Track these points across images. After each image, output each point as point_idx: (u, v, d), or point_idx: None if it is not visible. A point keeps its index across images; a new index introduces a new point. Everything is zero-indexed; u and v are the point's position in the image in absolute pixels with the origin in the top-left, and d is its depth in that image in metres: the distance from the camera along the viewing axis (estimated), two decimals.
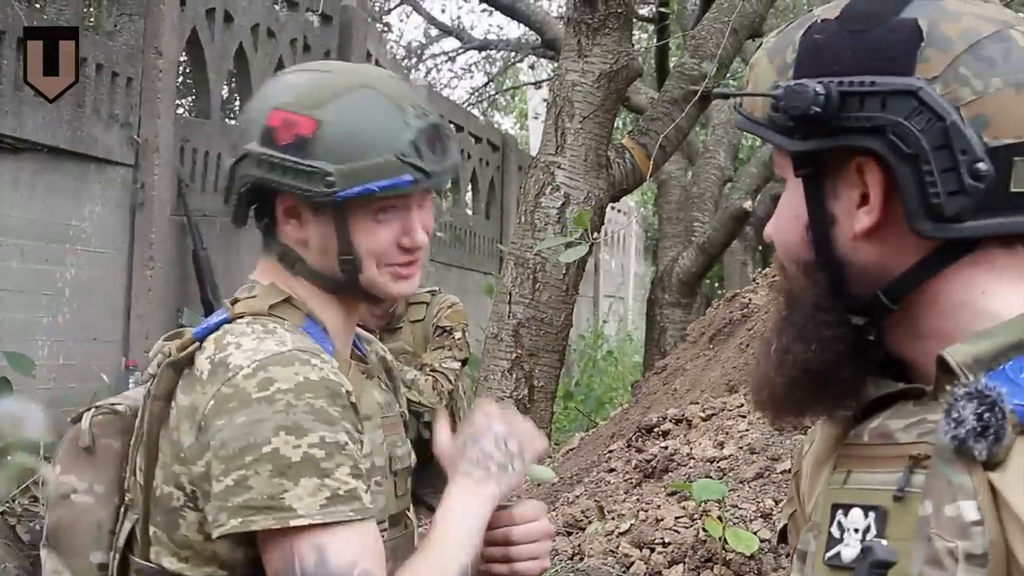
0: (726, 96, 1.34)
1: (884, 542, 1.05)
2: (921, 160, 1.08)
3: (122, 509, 1.65)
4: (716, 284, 16.17)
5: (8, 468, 1.67)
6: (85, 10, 6.53)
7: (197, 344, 1.60)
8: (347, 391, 1.56)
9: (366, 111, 1.62)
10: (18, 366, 5.23)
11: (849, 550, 1.11)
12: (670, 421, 3.68)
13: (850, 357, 1.14)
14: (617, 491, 3.52)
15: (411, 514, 1.76)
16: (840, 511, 1.14)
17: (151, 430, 1.59)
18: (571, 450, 4.78)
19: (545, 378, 5.06)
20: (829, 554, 1.13)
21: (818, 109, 1.08)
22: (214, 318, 1.64)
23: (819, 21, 1.13)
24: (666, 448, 3.52)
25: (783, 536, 1.39)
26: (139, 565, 1.60)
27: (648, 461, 3.52)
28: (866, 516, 1.11)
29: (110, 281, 6.60)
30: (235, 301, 1.66)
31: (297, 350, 1.56)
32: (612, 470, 3.68)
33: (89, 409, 1.72)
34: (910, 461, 1.09)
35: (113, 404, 1.72)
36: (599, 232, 5.19)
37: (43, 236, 6.17)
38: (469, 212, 13.20)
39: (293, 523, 1.45)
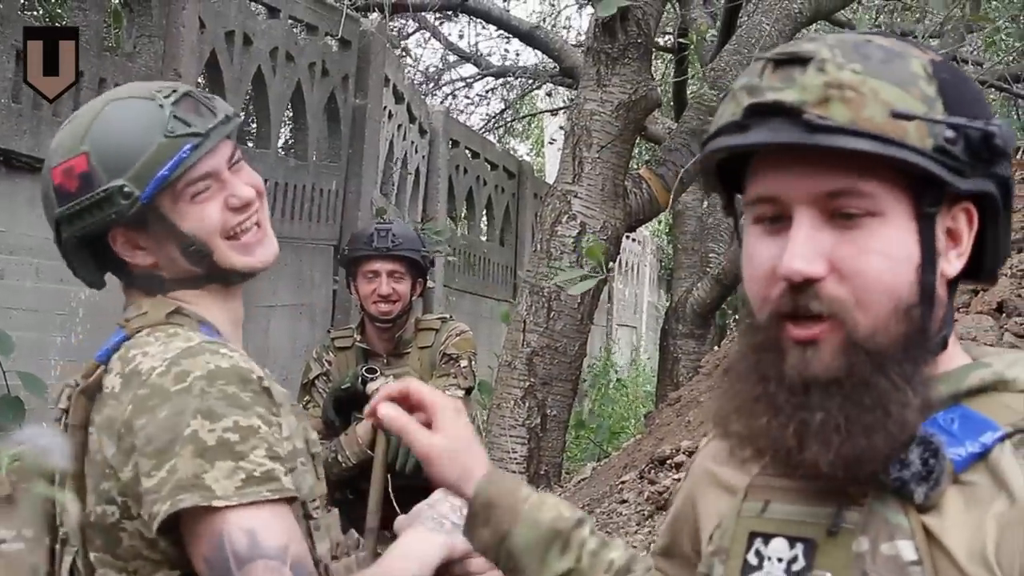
0: (909, 117, 1.19)
1: (827, 574, 1.10)
2: (1008, 214, 1.16)
3: (57, 548, 1.65)
4: (731, 315, 16.14)
5: (30, 499, 1.68)
6: (104, 32, 6.57)
7: (102, 368, 1.64)
8: (259, 377, 1.59)
9: (119, 119, 1.66)
10: (30, 386, 5.24)
11: None
12: (683, 453, 3.68)
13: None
14: (629, 523, 3.52)
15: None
16: (759, 539, 1.17)
17: (75, 461, 1.60)
18: (583, 480, 4.78)
19: (558, 407, 5.07)
20: None
21: (1003, 150, 1.11)
22: (112, 339, 1.68)
23: (933, 59, 1.15)
24: (679, 480, 3.51)
25: (668, 552, 1.43)
26: None
27: (660, 493, 3.52)
28: (792, 547, 1.14)
29: (124, 301, 6.62)
30: (127, 320, 1.70)
31: (205, 342, 1.60)
32: (624, 501, 3.68)
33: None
34: (845, 498, 1.13)
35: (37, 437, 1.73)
36: (614, 262, 5.20)
37: (58, 256, 6.11)
38: (484, 239, 13.22)
39: (215, 503, 1.47)
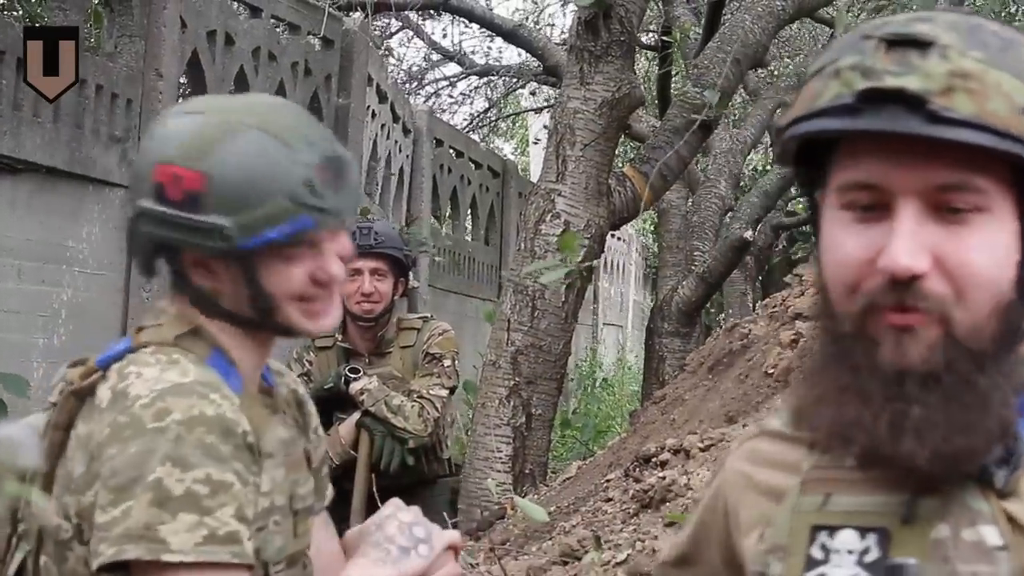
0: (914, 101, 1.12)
1: (912, 561, 1.05)
2: None
3: (14, 540, 1.62)
4: (717, 313, 16.18)
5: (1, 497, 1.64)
6: (85, 31, 6.55)
7: (100, 373, 1.57)
8: (244, 431, 1.52)
9: (252, 156, 1.55)
10: (13, 387, 5.22)
11: (840, 572, 1.10)
12: (668, 451, 3.68)
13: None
14: (614, 521, 3.51)
15: (309, 554, 1.71)
16: (823, 533, 1.12)
17: (49, 459, 1.56)
18: (568, 479, 4.78)
19: (543, 406, 5.07)
20: (810, 575, 1.12)
21: None
22: (118, 346, 1.61)
23: None
24: (664, 478, 3.51)
25: (678, 562, 1.39)
26: None
27: (646, 491, 3.51)
28: (863, 537, 1.10)
29: (107, 303, 6.60)
30: (140, 329, 1.63)
31: (197, 383, 1.52)
32: (609, 500, 3.68)
33: None
34: (917, 485, 1.08)
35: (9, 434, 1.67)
36: (598, 259, 5.20)
37: (40, 257, 6.17)
38: (468, 238, 13.21)
39: (164, 557, 1.41)
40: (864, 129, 1.06)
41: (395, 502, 1.72)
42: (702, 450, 3.64)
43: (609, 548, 3.29)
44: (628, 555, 3.20)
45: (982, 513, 1.07)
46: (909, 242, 1.05)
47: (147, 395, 1.49)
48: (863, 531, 1.10)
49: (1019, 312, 1.10)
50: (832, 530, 1.12)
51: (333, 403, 4.25)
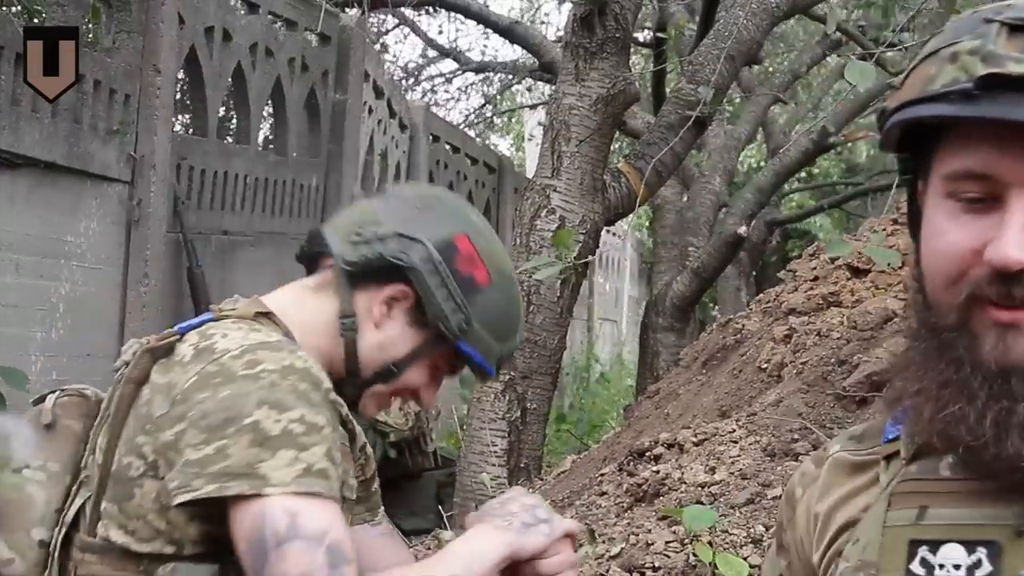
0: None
1: None
2: None
3: (74, 488, 1.65)
4: (712, 309, 16.20)
5: (66, 433, 1.69)
6: (84, 27, 6.54)
7: (177, 336, 1.63)
8: (328, 387, 1.58)
9: (509, 302, 1.78)
10: (11, 380, 5.22)
11: None
12: (662, 445, 3.69)
13: None
14: (608, 515, 3.52)
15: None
16: (924, 547, 1.07)
17: (119, 411, 1.61)
18: (562, 473, 4.79)
19: (538, 400, 5.07)
20: None
21: None
22: (197, 319, 1.68)
23: None
24: (658, 472, 3.52)
25: None
26: (83, 541, 1.60)
27: (639, 485, 3.53)
28: (971, 552, 1.04)
29: (105, 297, 6.61)
30: (219, 309, 1.71)
31: (284, 341, 1.60)
32: (603, 493, 3.69)
33: (55, 391, 1.74)
34: None
35: (80, 388, 1.75)
36: (593, 255, 5.21)
37: (38, 251, 6.17)
38: None
39: (266, 491, 1.46)
40: (983, 116, 1.02)
41: (516, 488, 1.77)
42: (695, 444, 3.65)
43: (603, 541, 3.30)
44: (622, 548, 3.22)
45: None
46: (1021, 235, 1.01)
47: (236, 348, 1.55)
48: (971, 545, 1.05)
49: None
50: (934, 545, 1.07)
51: None
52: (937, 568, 1.05)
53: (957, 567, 1.04)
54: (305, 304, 1.74)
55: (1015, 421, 1.01)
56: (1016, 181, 1.03)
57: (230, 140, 8.82)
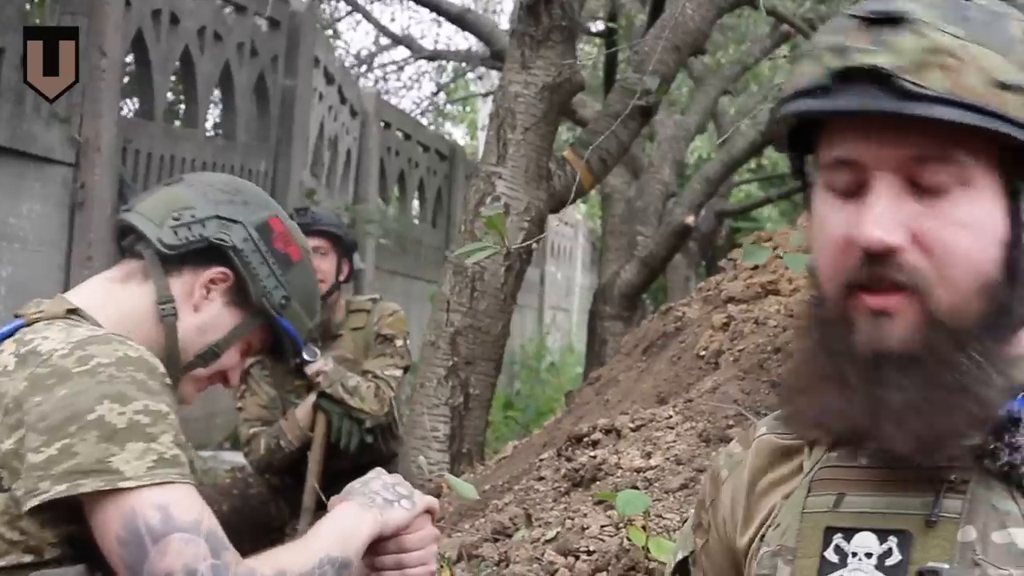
0: (1017, 89, 0.76)
1: (945, 565, 1.01)
2: None
3: None
4: (660, 298, 16.26)
5: None
6: (27, 8, 6.46)
7: None
8: (163, 372, 1.59)
9: (314, 280, 1.89)
10: None
11: (860, 574, 1.06)
12: (600, 431, 3.70)
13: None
14: (546, 499, 3.53)
15: None
16: (839, 535, 1.08)
17: None
18: (504, 458, 4.79)
19: (481, 386, 5.07)
20: None
21: None
22: (6, 327, 1.66)
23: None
24: (595, 458, 3.53)
25: (682, 567, 1.33)
26: None
27: (577, 470, 3.53)
28: (882, 541, 1.06)
29: (47, 280, 6.53)
30: (19, 315, 1.69)
31: (111, 333, 1.60)
32: (542, 478, 3.69)
33: None
34: (939, 485, 1.05)
35: None
36: (537, 242, 5.21)
37: None
38: (416, 221, 13.19)
39: (121, 485, 1.46)
40: (835, 109, 1.04)
41: (377, 468, 1.79)
42: (632, 430, 3.67)
43: (539, 526, 3.31)
44: (557, 532, 3.22)
45: (1012, 514, 1.03)
46: (881, 215, 1.03)
47: (63, 347, 1.54)
48: (883, 533, 1.06)
49: (1007, 294, 1.05)
50: (848, 532, 1.08)
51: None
52: (850, 556, 1.07)
53: (869, 555, 1.06)
54: (114, 296, 1.75)
55: (888, 408, 1.03)
56: (876, 165, 1.05)
57: (178, 124, 8.74)
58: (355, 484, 1.72)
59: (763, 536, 1.17)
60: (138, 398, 1.51)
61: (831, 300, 1.08)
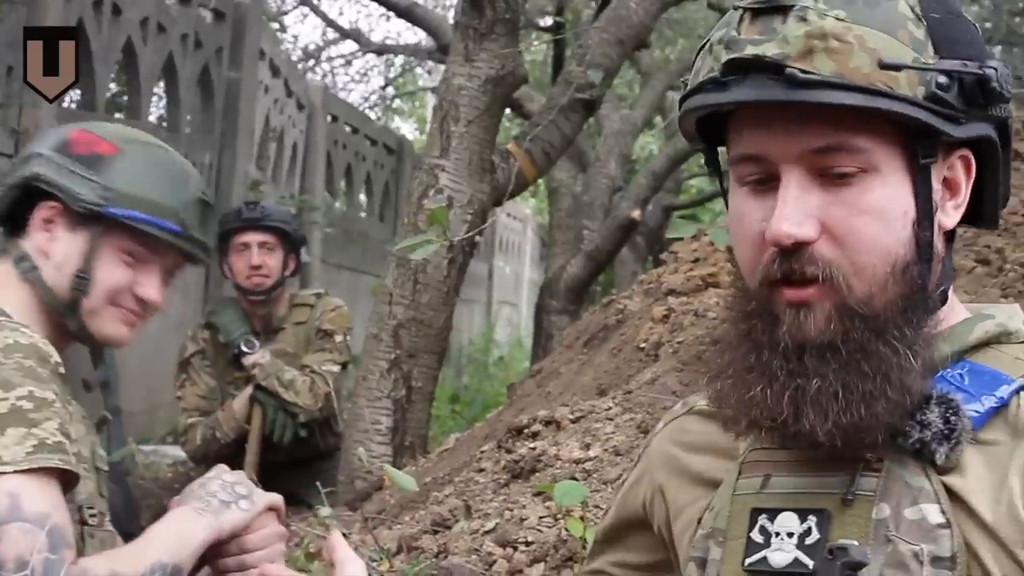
0: (897, 68, 0.87)
1: (855, 543, 1.02)
2: (1002, 160, 1.09)
3: None
4: (610, 292, 16.30)
5: None
6: None
7: None
8: (57, 362, 1.60)
9: (161, 160, 1.78)
10: None
11: (782, 555, 1.07)
12: (540, 423, 3.71)
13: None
14: (485, 491, 3.54)
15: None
16: (763, 516, 1.10)
17: None
18: (446, 451, 4.79)
19: (424, 379, 5.07)
20: (751, 560, 1.09)
21: (1004, 94, 1.02)
22: None
23: None
24: (534, 449, 3.54)
25: (608, 538, 1.37)
26: None
27: (516, 462, 3.54)
28: (803, 520, 1.07)
29: None
30: None
31: (3, 319, 1.61)
32: (482, 470, 3.70)
33: None
34: (856, 464, 1.06)
35: None
36: (480, 235, 5.21)
37: None
38: (363, 215, 13.14)
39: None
40: (729, 101, 1.04)
41: (220, 466, 1.77)
42: (572, 422, 3.68)
43: (479, 517, 3.32)
44: (496, 524, 3.23)
45: (924, 491, 1.04)
46: (791, 209, 1.03)
47: None
48: (803, 513, 1.08)
49: (921, 273, 1.06)
50: (772, 513, 1.10)
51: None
52: (774, 536, 1.09)
53: (790, 535, 1.08)
54: None
55: (810, 397, 1.04)
56: (781, 158, 1.05)
57: (120, 116, 8.65)
58: (193, 485, 1.71)
59: (699, 520, 1.18)
60: (23, 384, 1.50)
61: (753, 292, 1.09)
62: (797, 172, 1.04)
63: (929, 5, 1.06)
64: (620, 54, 5.84)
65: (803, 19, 1.02)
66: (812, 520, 1.07)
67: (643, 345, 4.13)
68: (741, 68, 1.03)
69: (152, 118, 8.65)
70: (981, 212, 1.13)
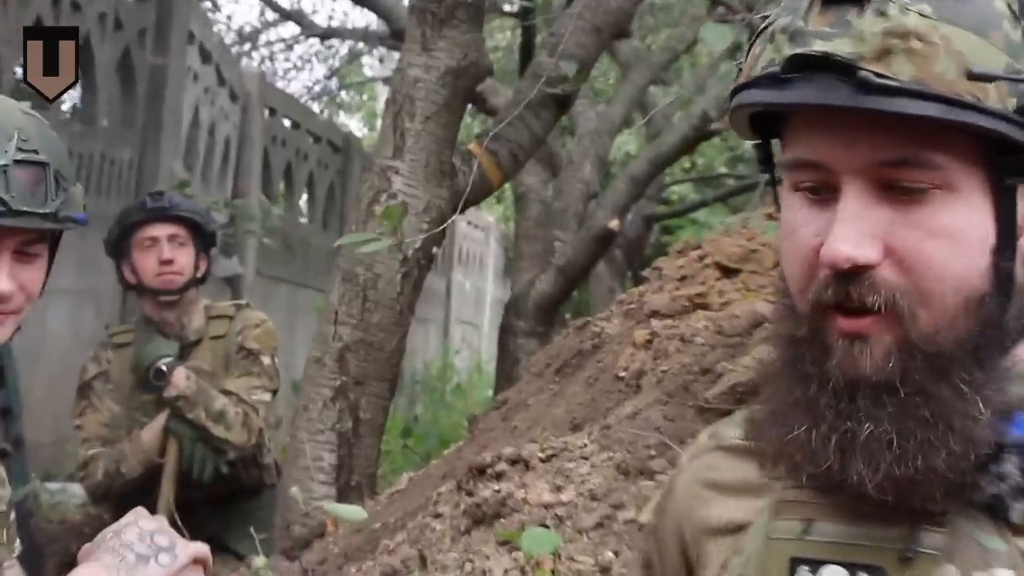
0: (989, 79, 0.82)
1: None
2: None
3: None
4: (583, 312, 16.34)
5: None
6: None
7: None
8: None
9: None
10: None
11: None
12: (505, 461, 3.69)
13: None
14: (443, 539, 3.52)
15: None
16: (804, 567, 1.07)
17: None
18: (397, 492, 4.77)
19: (373, 409, 5.05)
20: None
21: None
22: None
23: None
24: (499, 491, 3.53)
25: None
26: None
27: (478, 506, 3.53)
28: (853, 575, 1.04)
29: None
30: None
31: None
32: (439, 515, 3.68)
33: None
34: (920, 517, 1.03)
35: None
36: (439, 246, 5.20)
37: None
38: (304, 220, 13.12)
39: None
40: (793, 103, 1.02)
41: (138, 510, 1.73)
42: (543, 460, 3.67)
43: (436, 569, 3.30)
44: None
45: (997, 553, 1.01)
46: (851, 228, 1.01)
47: None
48: (852, 568, 1.05)
49: (998, 309, 1.04)
50: (815, 564, 1.07)
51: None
52: None
53: None
54: None
55: (860, 443, 1.02)
56: (844, 168, 1.03)
57: (28, 105, 8.59)
58: (106, 533, 1.68)
59: (725, 564, 1.16)
60: None
61: (803, 317, 1.07)
62: (860, 184, 1.02)
63: None
64: (597, 44, 5.86)
65: (882, 13, 1.00)
66: None
67: (623, 374, 4.14)
68: (807, 65, 1.01)
69: (65, 107, 8.59)
70: None
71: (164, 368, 4.24)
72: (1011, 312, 1.04)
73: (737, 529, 1.16)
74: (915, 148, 1.01)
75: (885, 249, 1.01)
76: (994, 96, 0.99)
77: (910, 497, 1.02)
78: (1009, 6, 1.03)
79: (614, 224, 8.67)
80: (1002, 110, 0.99)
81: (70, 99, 9.34)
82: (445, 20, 5.01)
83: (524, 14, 9.98)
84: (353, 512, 2.85)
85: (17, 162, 1.73)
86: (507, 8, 12.12)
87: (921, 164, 1.01)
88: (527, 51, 9.57)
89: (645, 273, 5.19)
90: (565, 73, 5.39)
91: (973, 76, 0.98)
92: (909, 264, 1.01)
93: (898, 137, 1.00)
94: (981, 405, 1.01)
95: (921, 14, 0.99)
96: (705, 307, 4.31)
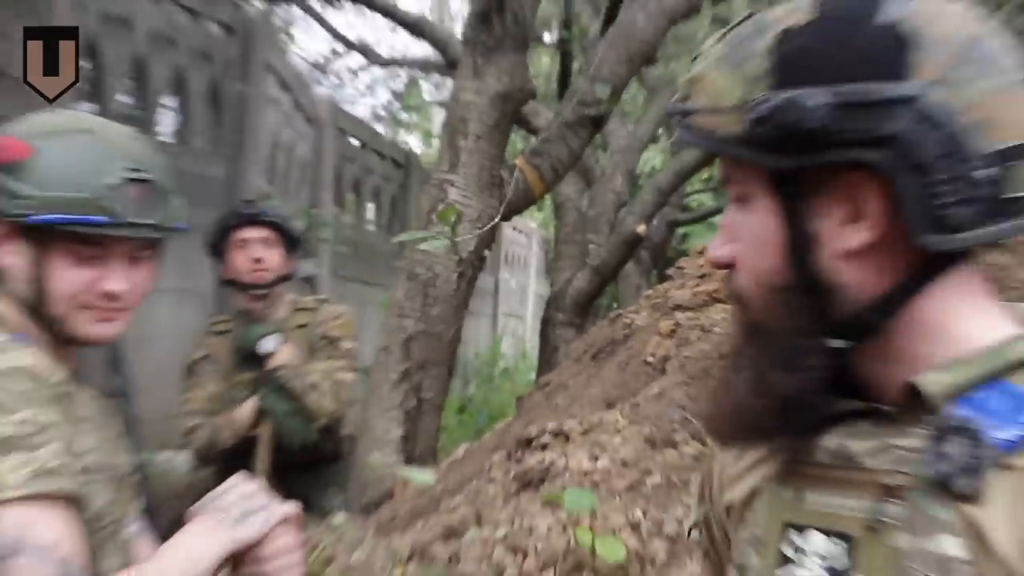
0: (686, 113, 1.05)
1: None
2: (926, 170, 0.98)
3: None
4: (615, 305, 16.33)
5: None
6: None
7: None
8: (57, 381, 1.59)
9: (80, 150, 1.68)
10: None
11: (807, 573, 1.07)
12: (549, 434, 3.75)
13: (828, 383, 1.07)
14: (495, 500, 3.58)
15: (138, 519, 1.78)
16: (793, 531, 1.09)
17: None
18: (455, 461, 4.84)
19: (434, 391, 5.11)
20: (780, 572, 1.10)
21: (816, 123, 0.98)
22: None
23: (790, 27, 1.03)
24: (543, 460, 3.59)
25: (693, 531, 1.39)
26: None
27: (526, 472, 3.58)
28: (831, 542, 1.06)
29: None
30: None
31: (8, 342, 1.61)
32: (492, 480, 3.74)
33: None
34: (883, 490, 1.04)
35: None
36: (489, 249, 5.26)
37: None
38: (371, 227, 13.19)
39: (2, 496, 1.45)
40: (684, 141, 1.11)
41: (238, 475, 1.77)
42: (581, 434, 3.73)
43: (489, 525, 3.36)
44: (507, 532, 3.27)
45: (945, 523, 1.00)
46: (720, 233, 1.12)
47: None
48: (830, 535, 1.07)
49: (805, 298, 1.06)
50: (802, 529, 1.09)
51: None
52: (804, 554, 1.08)
53: (822, 558, 1.07)
54: None
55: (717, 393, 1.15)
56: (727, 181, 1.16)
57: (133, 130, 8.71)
58: (211, 496, 1.70)
59: (745, 519, 1.19)
60: (20, 409, 1.50)
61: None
62: (731, 197, 1.12)
63: (807, 31, 1.02)
64: (628, 70, 5.90)
65: (695, 62, 1.09)
66: (840, 546, 1.06)
67: (650, 359, 4.17)
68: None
69: (165, 131, 8.71)
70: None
71: (270, 342, 4.31)
72: (836, 302, 1.05)
73: (753, 496, 1.19)
74: (728, 167, 1.10)
75: (731, 249, 1.11)
76: (728, 124, 1.04)
77: (742, 426, 1.11)
78: (776, 39, 1.03)
79: (641, 229, 8.70)
80: (725, 135, 1.04)
81: (169, 124, 9.47)
82: (494, 50, 5.07)
83: (562, 44, 10.00)
84: (424, 475, 2.89)
85: (128, 180, 1.71)
86: (547, 39, 12.15)
87: (731, 180, 1.10)
88: (565, 77, 9.59)
89: (669, 272, 5.22)
90: (599, 96, 5.43)
91: (710, 110, 1.06)
92: (738, 260, 1.11)
93: (726, 160, 1.11)
94: (798, 374, 1.06)
95: (706, 60, 1.08)
96: (721, 301, 4.34)
